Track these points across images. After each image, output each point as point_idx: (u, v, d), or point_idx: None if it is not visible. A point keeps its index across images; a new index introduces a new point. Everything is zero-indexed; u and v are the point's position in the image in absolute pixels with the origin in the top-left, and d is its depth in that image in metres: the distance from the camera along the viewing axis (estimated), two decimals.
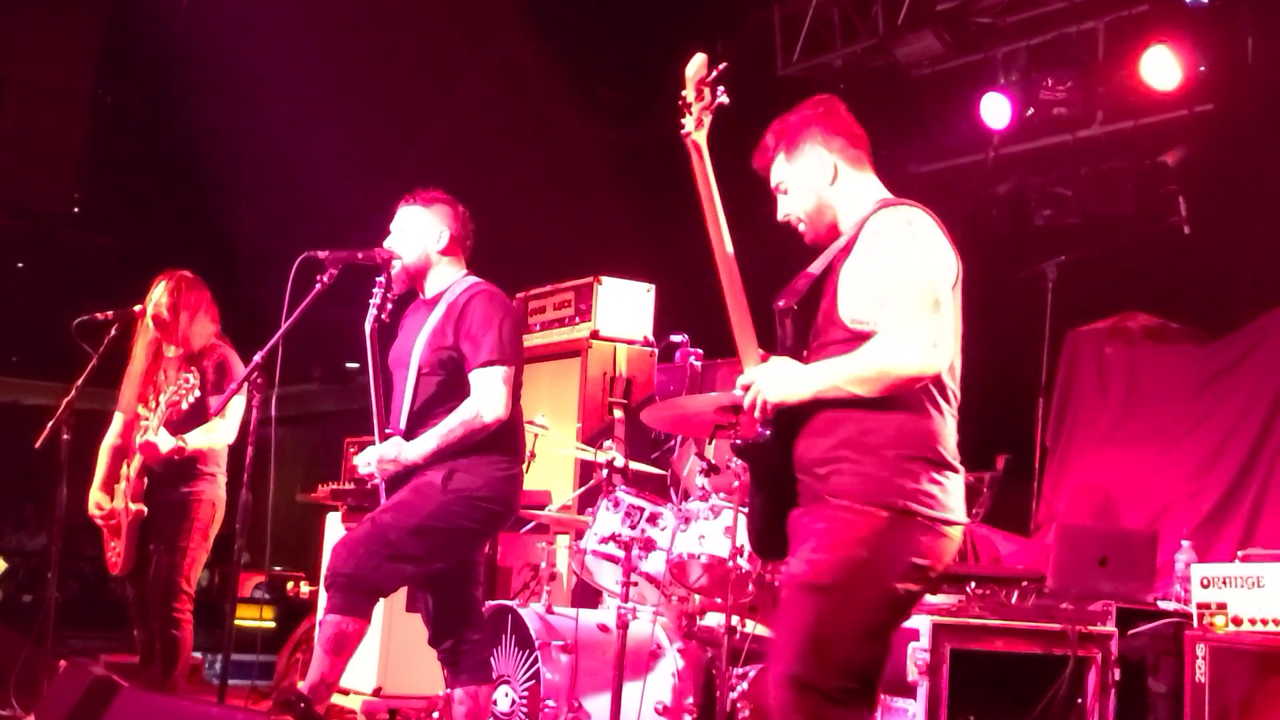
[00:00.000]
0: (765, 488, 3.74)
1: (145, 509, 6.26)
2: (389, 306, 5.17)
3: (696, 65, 3.60)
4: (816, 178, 3.81)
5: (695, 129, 3.63)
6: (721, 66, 3.59)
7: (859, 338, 3.53)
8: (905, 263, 3.51)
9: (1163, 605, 5.96)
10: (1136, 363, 8.39)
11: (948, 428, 3.58)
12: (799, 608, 3.53)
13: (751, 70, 9.37)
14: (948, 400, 3.58)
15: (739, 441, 3.73)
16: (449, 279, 5.29)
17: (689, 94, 3.60)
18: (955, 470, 3.57)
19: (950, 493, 3.54)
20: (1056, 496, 8.40)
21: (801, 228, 3.86)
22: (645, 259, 8.83)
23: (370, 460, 5.07)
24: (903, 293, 3.47)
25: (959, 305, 3.61)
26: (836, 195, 3.81)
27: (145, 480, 6.27)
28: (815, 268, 3.72)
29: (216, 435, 6.33)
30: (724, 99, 3.61)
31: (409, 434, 5.09)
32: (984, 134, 9.01)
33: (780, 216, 3.90)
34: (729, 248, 3.67)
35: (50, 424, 6.54)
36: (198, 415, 6.21)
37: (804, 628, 3.49)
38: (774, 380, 3.57)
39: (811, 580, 3.50)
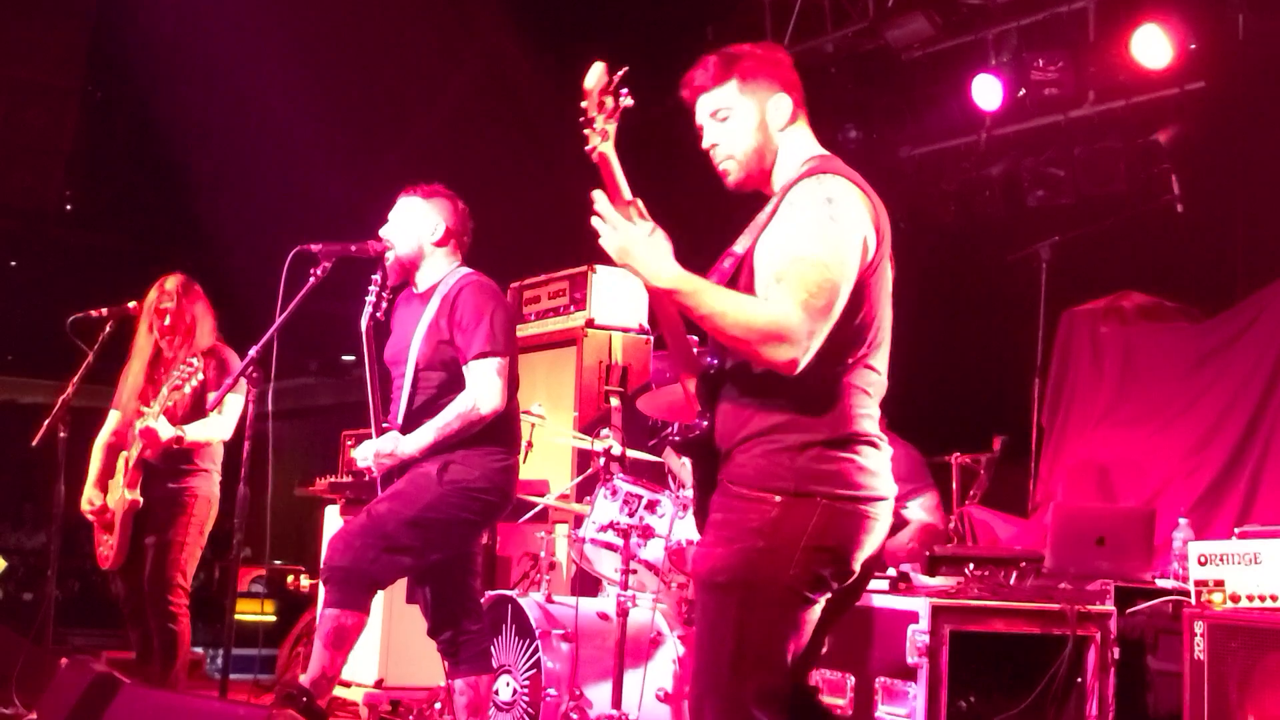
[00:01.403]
0: (703, 486, 3.56)
1: (141, 499, 6.27)
2: (385, 304, 5.17)
3: (595, 75, 3.34)
4: (772, 116, 3.55)
5: (601, 141, 3.35)
6: (622, 72, 3.35)
7: None
8: (811, 248, 3.29)
9: (1161, 583, 5.96)
10: (1131, 342, 8.38)
11: (862, 406, 3.39)
12: (705, 607, 3.38)
13: None
14: (865, 379, 3.41)
15: (677, 439, 3.56)
16: (441, 271, 5.29)
17: (590, 107, 3.34)
18: (870, 445, 3.38)
19: (861, 469, 3.34)
20: (1053, 477, 8.41)
21: (728, 165, 3.60)
22: None
23: (367, 455, 5.08)
24: (799, 278, 3.25)
25: (888, 277, 3.45)
26: (784, 140, 3.57)
27: (142, 473, 6.28)
28: (740, 246, 3.54)
29: (214, 429, 6.35)
30: (628, 102, 3.37)
31: (407, 429, 5.09)
32: (976, 115, 9.00)
33: (706, 145, 3.62)
34: None
35: (47, 422, 6.54)
36: (198, 407, 6.22)
37: (712, 628, 3.35)
38: (641, 243, 3.33)
39: (710, 578, 3.35)
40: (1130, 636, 5.69)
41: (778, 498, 3.30)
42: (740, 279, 3.46)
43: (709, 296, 3.28)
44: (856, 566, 3.39)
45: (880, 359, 3.46)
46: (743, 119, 3.56)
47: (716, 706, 3.32)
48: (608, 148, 3.38)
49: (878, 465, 3.40)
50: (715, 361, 3.53)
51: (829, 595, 3.39)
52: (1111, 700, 5.55)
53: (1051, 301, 8.36)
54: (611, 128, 3.37)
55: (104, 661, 5.79)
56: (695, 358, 3.62)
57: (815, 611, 3.38)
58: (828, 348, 3.30)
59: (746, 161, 3.58)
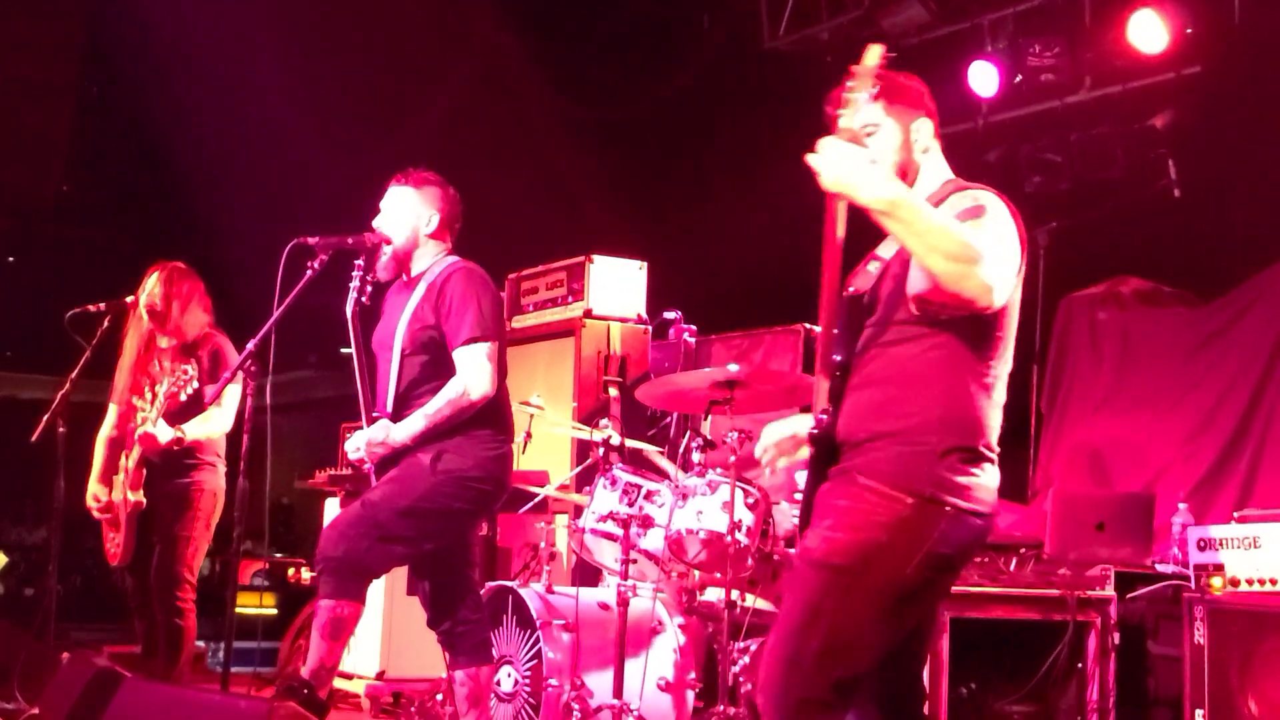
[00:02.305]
0: (817, 472, 3.59)
1: (144, 500, 6.28)
2: (369, 289, 5.16)
3: (875, 55, 3.51)
4: (915, 138, 3.66)
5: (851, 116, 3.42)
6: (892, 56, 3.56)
7: (922, 321, 3.43)
8: (989, 222, 3.39)
9: (1160, 568, 5.98)
10: (1130, 327, 8.39)
11: (994, 418, 3.48)
12: (807, 584, 3.44)
13: (738, 44, 9.36)
14: (998, 392, 3.49)
15: (815, 431, 3.55)
16: (430, 259, 5.29)
17: (859, 85, 3.45)
18: (992, 461, 3.48)
19: (984, 485, 3.44)
20: (1053, 462, 8.42)
21: None
22: (636, 237, 8.83)
23: (359, 445, 5.07)
24: (994, 229, 3.37)
25: (1017, 307, 3.53)
26: (925, 162, 3.66)
27: (144, 471, 6.29)
28: (886, 250, 3.61)
29: (213, 425, 6.35)
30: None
31: (395, 416, 5.09)
32: (973, 102, 8.98)
33: None
34: None
35: (46, 417, 6.54)
36: (196, 406, 6.22)
37: (809, 605, 3.41)
38: (863, 164, 3.30)
39: (825, 559, 3.40)
40: (1130, 621, 5.71)
41: (910, 499, 3.37)
42: (884, 283, 3.55)
43: (926, 210, 3.29)
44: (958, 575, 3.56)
45: (1006, 375, 3.54)
46: (886, 138, 3.65)
47: (791, 679, 3.39)
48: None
49: (995, 481, 3.50)
50: (841, 358, 3.56)
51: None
52: (1112, 685, 5.57)
53: (1049, 287, 8.36)
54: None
55: (106, 656, 5.78)
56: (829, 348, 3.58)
57: (912, 614, 3.48)
58: (974, 353, 3.43)
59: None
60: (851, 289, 3.59)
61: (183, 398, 6.06)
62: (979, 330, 3.43)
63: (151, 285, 6.48)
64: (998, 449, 3.51)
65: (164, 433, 6.13)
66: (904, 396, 3.44)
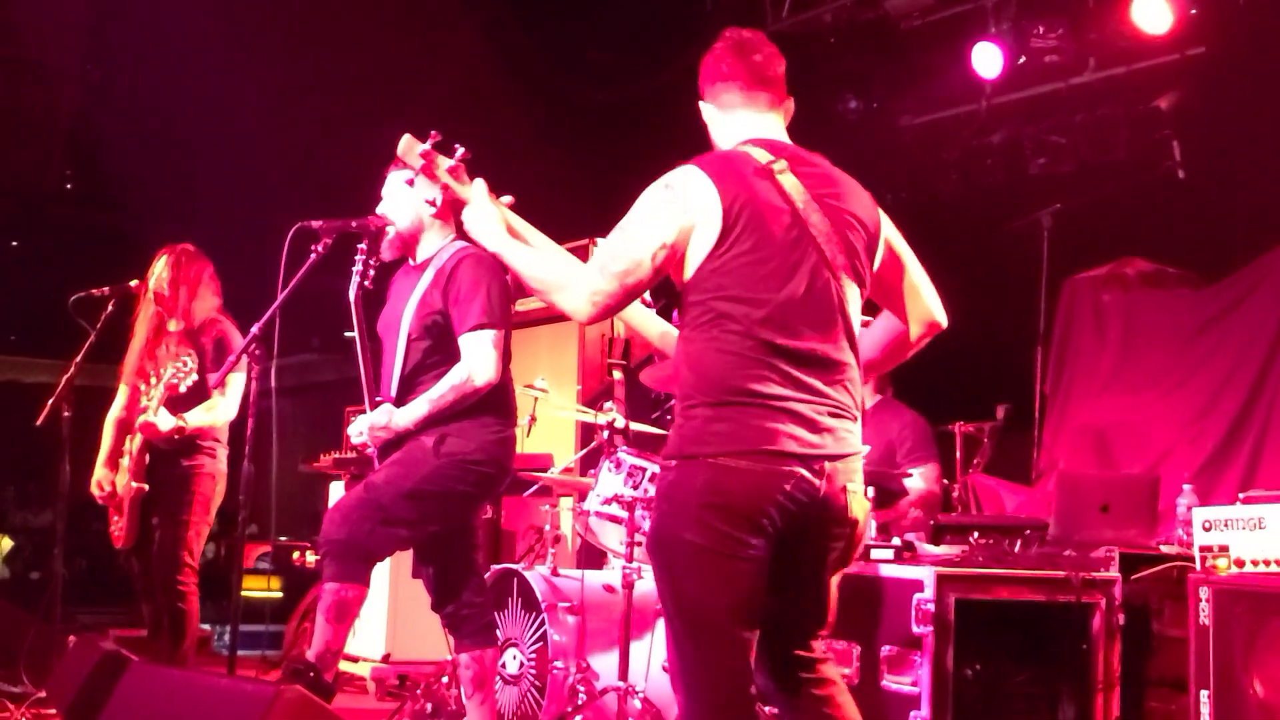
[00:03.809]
0: None
1: (146, 486, 6.29)
2: (372, 273, 5.16)
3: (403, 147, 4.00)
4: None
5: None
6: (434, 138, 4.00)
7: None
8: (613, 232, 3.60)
9: (1165, 549, 5.97)
10: (1134, 309, 8.38)
11: (741, 362, 3.44)
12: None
13: (741, 26, 9.32)
14: (744, 332, 3.45)
15: None
16: (438, 244, 5.28)
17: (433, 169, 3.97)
18: (754, 402, 3.41)
19: (749, 424, 3.40)
20: (1057, 444, 8.42)
21: None
22: None
23: (362, 429, 5.08)
24: (602, 248, 3.62)
25: (741, 239, 3.48)
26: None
27: (147, 457, 6.29)
28: None
29: (218, 413, 6.35)
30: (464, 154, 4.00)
31: (400, 401, 5.09)
32: (976, 84, 8.97)
33: None
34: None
35: (51, 401, 6.54)
36: (198, 394, 6.22)
37: (661, 597, 3.53)
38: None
39: (648, 547, 3.56)
40: (1135, 603, 5.70)
41: (673, 463, 3.48)
42: None
43: (514, 257, 3.81)
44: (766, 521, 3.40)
45: (778, 312, 3.47)
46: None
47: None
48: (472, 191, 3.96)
49: (769, 419, 3.41)
50: None
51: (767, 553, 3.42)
52: (1117, 666, 5.57)
53: (1053, 269, 8.35)
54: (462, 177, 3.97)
55: (112, 639, 5.80)
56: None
57: (738, 567, 3.39)
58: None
59: None
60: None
61: (182, 389, 6.07)
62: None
63: (160, 269, 6.48)
64: (772, 389, 3.44)
65: (165, 421, 6.14)
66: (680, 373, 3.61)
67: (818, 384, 3.47)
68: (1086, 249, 8.58)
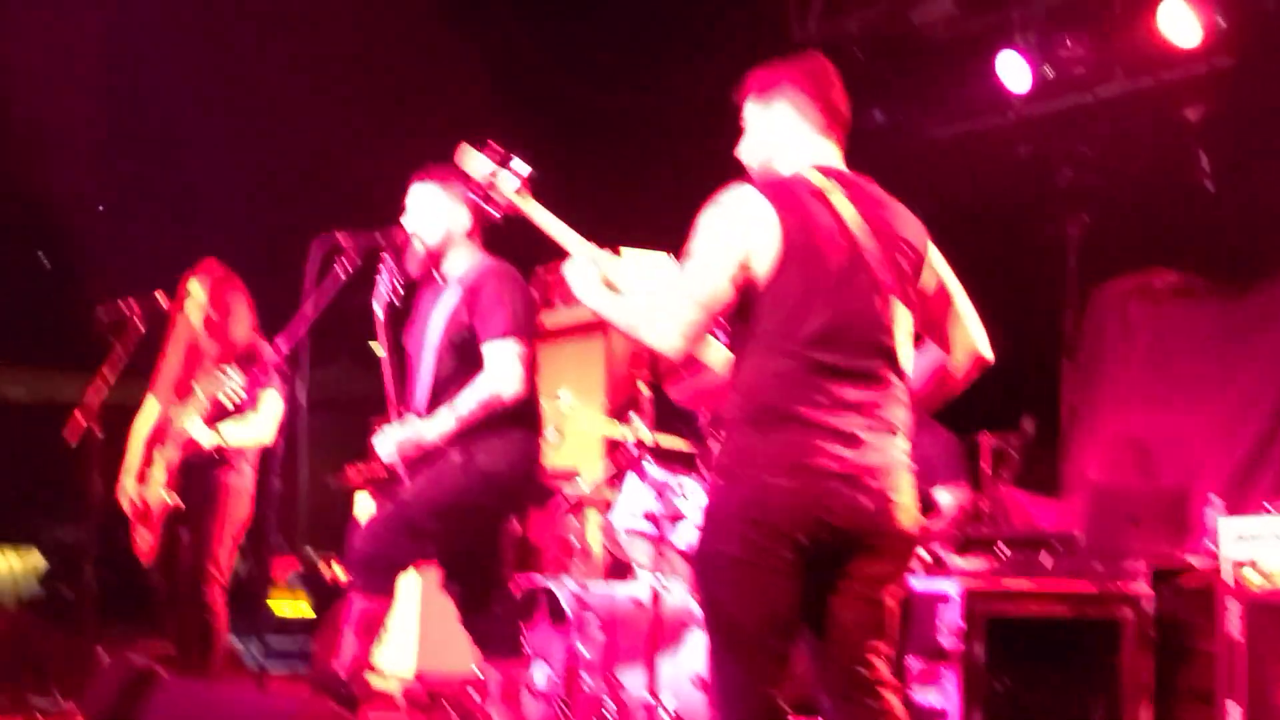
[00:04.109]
0: None
1: (180, 504, 6.31)
2: (399, 288, 5.17)
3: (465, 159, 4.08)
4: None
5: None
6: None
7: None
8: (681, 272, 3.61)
9: (1195, 561, 5.95)
10: (1162, 320, 8.35)
11: (784, 382, 3.48)
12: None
13: (767, 36, 9.33)
14: (791, 353, 3.48)
15: None
16: (467, 260, 5.28)
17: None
18: (793, 419, 3.45)
19: (791, 443, 3.43)
20: (1085, 457, 8.38)
21: None
22: (664, 228, 8.80)
23: (389, 445, 5.08)
24: (673, 289, 3.58)
25: (797, 260, 3.50)
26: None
27: (179, 472, 6.32)
28: None
29: (255, 431, 6.37)
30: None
31: (428, 415, 5.09)
32: (1003, 95, 8.94)
33: None
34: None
35: (79, 415, 6.57)
36: (236, 411, 6.24)
37: (702, 611, 3.60)
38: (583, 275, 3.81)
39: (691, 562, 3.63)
40: (1165, 615, 5.67)
41: (720, 480, 3.55)
42: None
43: (607, 306, 3.76)
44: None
45: (821, 329, 3.50)
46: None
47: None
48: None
49: (806, 437, 3.44)
50: None
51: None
52: (1147, 679, 5.54)
53: (1081, 281, 8.32)
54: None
55: (144, 654, 5.82)
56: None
57: (780, 584, 3.43)
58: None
59: None
60: None
61: (230, 407, 6.06)
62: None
63: (196, 292, 6.50)
64: (811, 405, 3.47)
65: (204, 437, 6.18)
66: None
67: (864, 401, 3.50)
68: (1114, 261, 8.55)
